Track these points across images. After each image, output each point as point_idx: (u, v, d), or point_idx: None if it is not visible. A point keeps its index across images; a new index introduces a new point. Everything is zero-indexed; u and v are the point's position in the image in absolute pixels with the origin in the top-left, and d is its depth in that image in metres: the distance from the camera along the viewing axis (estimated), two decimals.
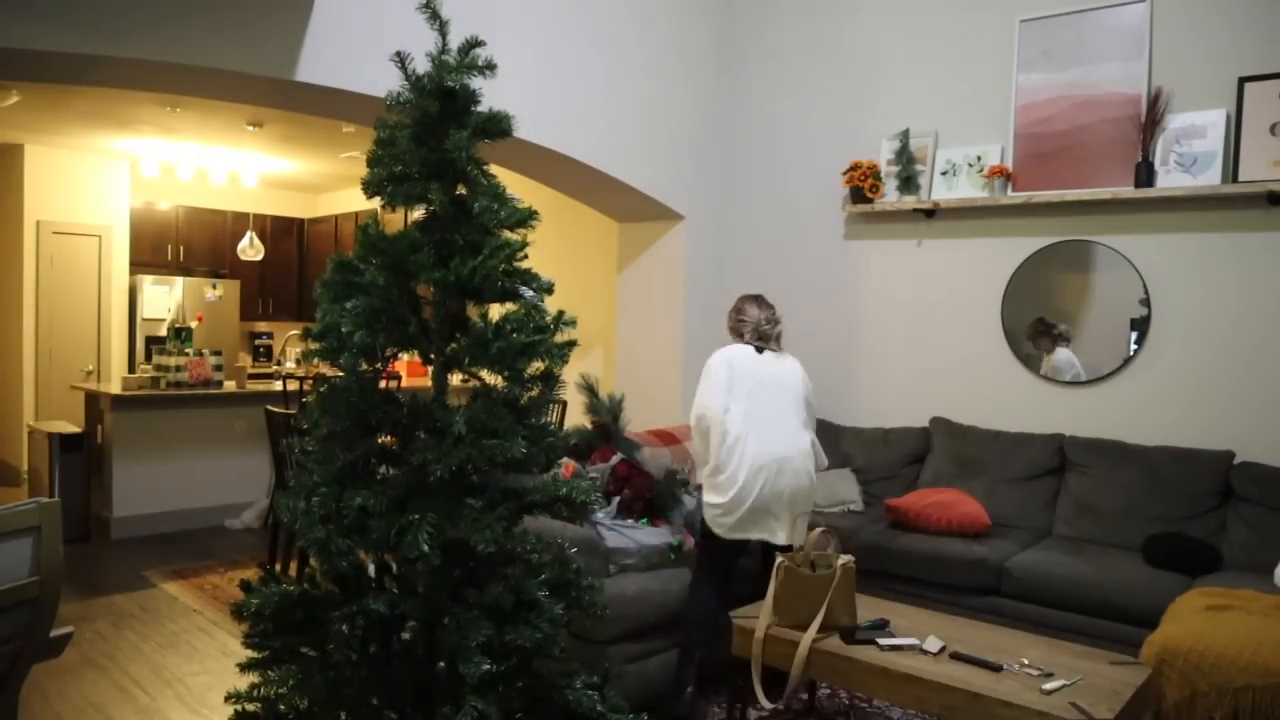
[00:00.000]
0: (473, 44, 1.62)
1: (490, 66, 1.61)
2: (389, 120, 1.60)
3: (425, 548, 1.40)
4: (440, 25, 1.61)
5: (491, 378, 1.62)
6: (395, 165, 1.57)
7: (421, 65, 1.62)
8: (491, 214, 1.58)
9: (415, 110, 1.59)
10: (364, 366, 1.58)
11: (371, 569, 1.59)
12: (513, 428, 1.50)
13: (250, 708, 1.53)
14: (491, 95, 1.69)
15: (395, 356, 1.64)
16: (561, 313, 1.65)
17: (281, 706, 1.50)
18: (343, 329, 1.50)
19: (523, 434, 1.52)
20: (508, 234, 1.60)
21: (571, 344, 1.63)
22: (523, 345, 1.54)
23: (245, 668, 1.56)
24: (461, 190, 1.60)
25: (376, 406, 1.56)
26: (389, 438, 1.59)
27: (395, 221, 1.90)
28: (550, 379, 1.60)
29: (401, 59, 1.61)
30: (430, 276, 1.53)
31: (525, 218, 1.61)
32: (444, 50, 1.61)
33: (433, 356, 1.61)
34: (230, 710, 1.57)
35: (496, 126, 1.62)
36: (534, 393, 1.61)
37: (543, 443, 1.57)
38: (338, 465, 1.52)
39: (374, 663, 1.51)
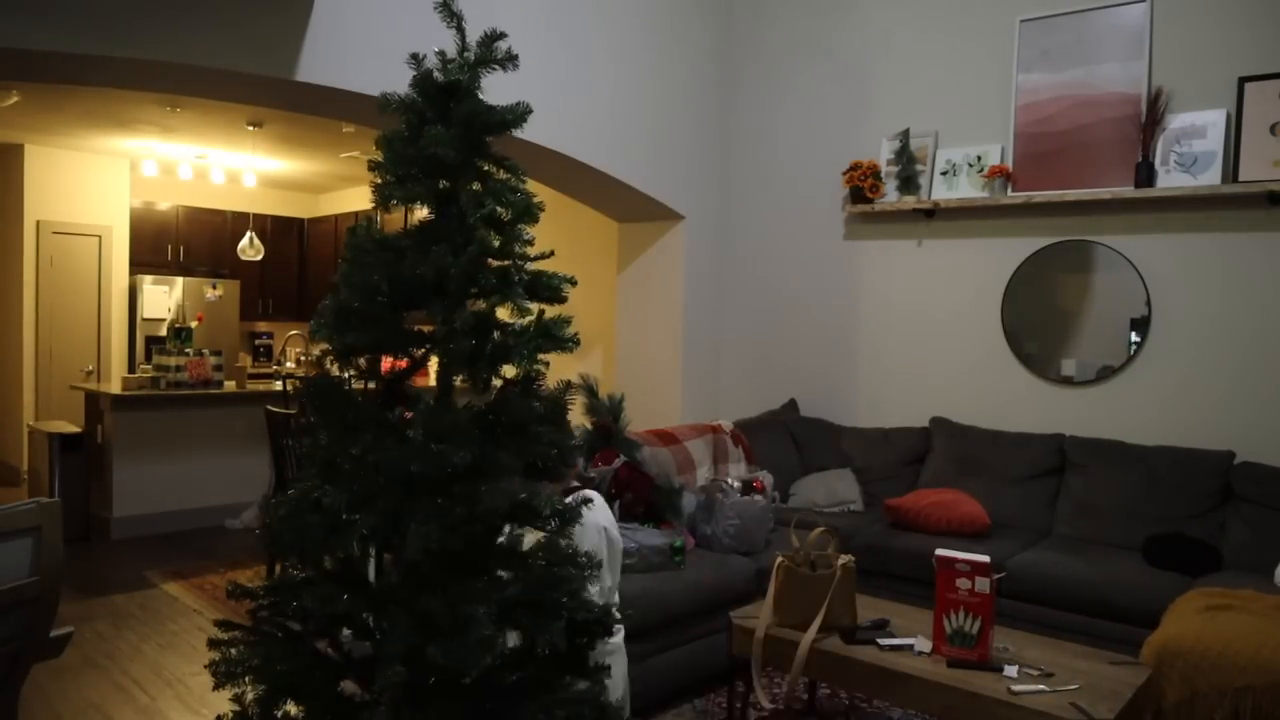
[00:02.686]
0: (494, 36, 1.59)
1: (511, 58, 1.59)
2: (389, 132, 1.58)
3: (355, 549, 1.40)
4: (458, 22, 1.59)
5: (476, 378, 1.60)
6: (397, 168, 1.56)
7: (429, 63, 1.61)
8: (478, 210, 1.55)
9: (410, 110, 1.58)
10: (334, 366, 1.57)
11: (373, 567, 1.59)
12: (465, 432, 1.46)
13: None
14: (492, 95, 1.68)
15: (373, 357, 1.62)
16: (542, 311, 1.60)
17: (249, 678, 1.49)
18: (312, 329, 1.50)
19: (480, 439, 1.48)
20: (495, 233, 1.58)
21: (542, 342, 1.57)
22: (498, 346, 1.51)
23: (214, 644, 1.55)
24: (445, 185, 1.58)
25: (352, 407, 1.55)
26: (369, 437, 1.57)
27: (397, 221, 1.89)
28: (529, 382, 1.57)
29: (417, 60, 1.59)
30: (408, 275, 1.50)
31: (519, 216, 1.58)
32: (464, 47, 1.60)
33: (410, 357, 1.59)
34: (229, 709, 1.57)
35: (497, 119, 1.60)
36: (488, 396, 1.57)
37: (512, 449, 1.52)
38: (319, 464, 1.52)
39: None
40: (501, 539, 1.58)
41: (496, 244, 1.56)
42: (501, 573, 1.53)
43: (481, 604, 1.40)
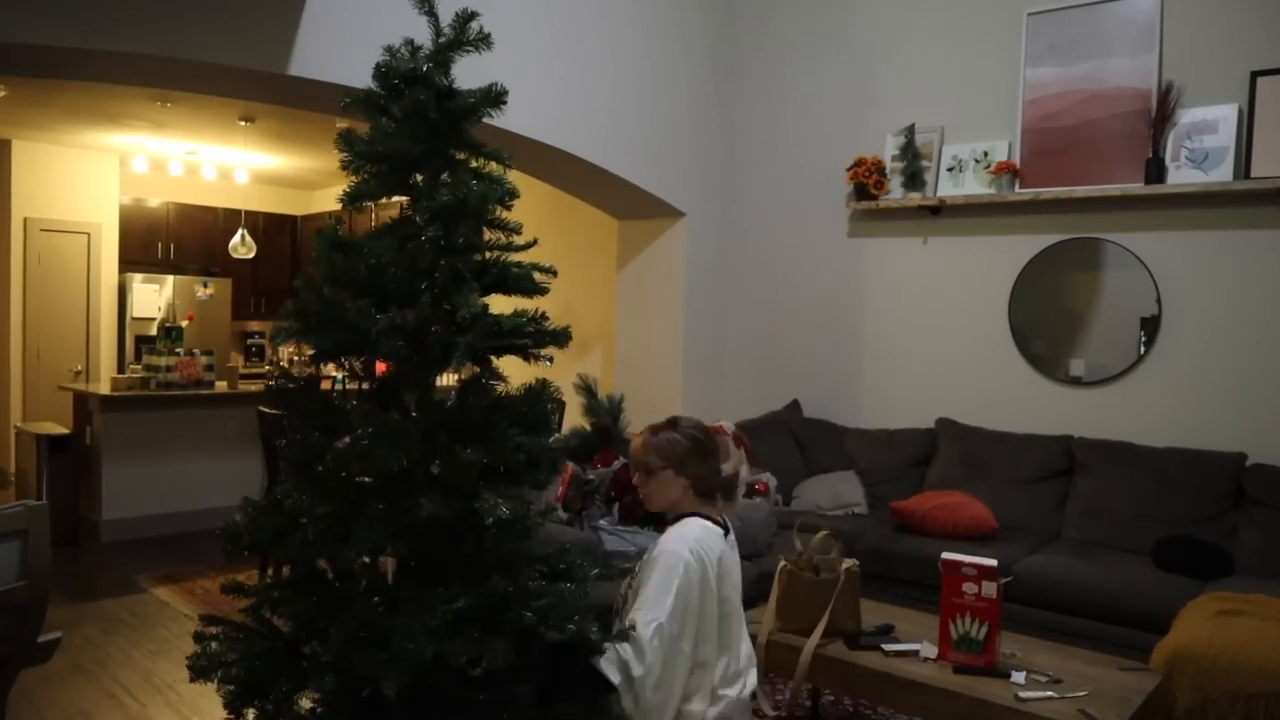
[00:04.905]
0: (466, 18, 1.53)
1: (484, 38, 1.53)
2: (345, 130, 1.52)
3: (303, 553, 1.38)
4: (430, 7, 1.53)
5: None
6: (359, 166, 1.50)
7: (401, 53, 1.55)
8: (429, 201, 1.48)
9: (369, 105, 1.52)
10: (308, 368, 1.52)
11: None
12: (404, 436, 1.39)
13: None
14: (488, 86, 1.62)
15: (340, 359, 1.55)
16: (485, 306, 1.48)
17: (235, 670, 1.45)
18: (273, 333, 1.45)
19: (432, 442, 1.41)
20: (455, 225, 1.50)
21: (484, 342, 1.47)
22: (434, 346, 1.43)
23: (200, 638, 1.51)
24: (419, 179, 1.52)
25: (323, 409, 1.50)
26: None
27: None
28: (478, 382, 1.49)
29: (391, 52, 1.53)
30: (346, 275, 1.44)
31: (480, 206, 1.48)
32: (439, 35, 1.54)
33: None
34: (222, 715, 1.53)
35: (460, 105, 1.52)
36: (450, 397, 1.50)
37: (474, 453, 1.42)
38: (295, 466, 1.48)
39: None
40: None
41: (457, 236, 1.47)
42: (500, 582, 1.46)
43: (420, 615, 1.33)
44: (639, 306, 4.77)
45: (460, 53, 1.53)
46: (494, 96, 1.53)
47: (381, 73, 1.52)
